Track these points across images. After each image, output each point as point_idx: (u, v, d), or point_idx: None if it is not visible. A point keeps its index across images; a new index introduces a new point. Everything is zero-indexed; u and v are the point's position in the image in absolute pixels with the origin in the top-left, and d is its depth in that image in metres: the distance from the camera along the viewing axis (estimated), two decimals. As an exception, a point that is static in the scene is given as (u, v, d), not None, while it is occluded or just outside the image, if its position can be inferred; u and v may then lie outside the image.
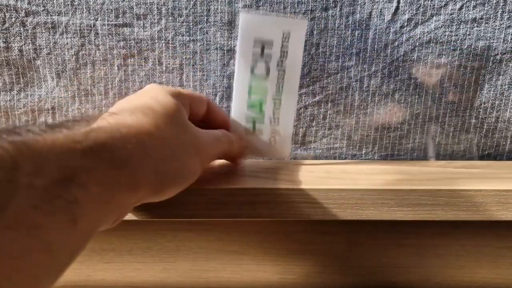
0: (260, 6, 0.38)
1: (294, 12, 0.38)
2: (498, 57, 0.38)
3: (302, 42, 0.35)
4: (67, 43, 0.39)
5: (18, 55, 0.39)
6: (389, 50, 0.38)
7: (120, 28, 0.38)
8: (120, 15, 0.38)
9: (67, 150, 0.21)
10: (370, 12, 0.38)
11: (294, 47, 0.35)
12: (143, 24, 0.38)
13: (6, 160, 0.19)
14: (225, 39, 0.38)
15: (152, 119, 0.28)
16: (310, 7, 0.38)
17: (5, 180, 0.18)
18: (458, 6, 0.37)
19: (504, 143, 0.41)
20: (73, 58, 0.39)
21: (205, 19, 0.38)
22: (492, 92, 0.39)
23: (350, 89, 0.39)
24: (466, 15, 0.37)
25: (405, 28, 0.38)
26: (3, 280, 0.18)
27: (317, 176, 0.37)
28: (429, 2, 0.37)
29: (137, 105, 0.29)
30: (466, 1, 0.37)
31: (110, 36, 0.38)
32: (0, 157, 0.19)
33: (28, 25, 0.38)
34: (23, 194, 0.19)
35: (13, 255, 0.18)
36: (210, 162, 0.32)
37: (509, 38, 0.38)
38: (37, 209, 0.19)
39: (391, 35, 0.38)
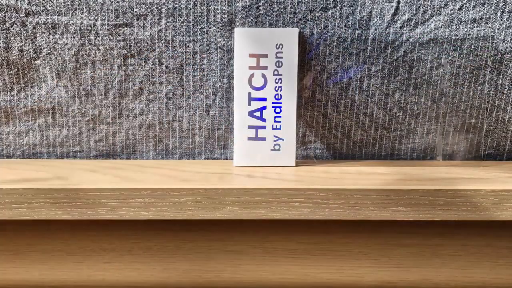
0: (260, 6, 0.38)
1: (294, 13, 0.38)
2: (498, 57, 0.38)
3: (296, 50, 0.37)
4: (67, 43, 0.39)
5: (18, 55, 0.39)
6: (389, 50, 0.38)
7: (120, 28, 0.38)
8: (120, 15, 0.38)
9: None
10: (370, 12, 0.38)
11: (288, 56, 0.37)
12: (143, 24, 0.38)
13: None
14: (225, 39, 0.38)
15: None
16: (310, 7, 0.38)
17: None
18: (458, 6, 0.37)
19: (504, 143, 0.41)
20: (73, 58, 0.39)
21: (205, 19, 0.38)
22: (492, 92, 0.39)
23: (350, 89, 0.39)
24: (466, 15, 0.37)
25: (405, 28, 0.38)
26: None
27: (317, 176, 0.37)
28: (429, 2, 0.37)
29: None
30: (466, 1, 0.37)
31: (110, 36, 0.38)
32: None
33: (28, 25, 0.38)
34: None
35: None
36: None
37: (509, 38, 0.38)
38: None
39: (391, 35, 0.38)
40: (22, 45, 0.39)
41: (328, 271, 0.44)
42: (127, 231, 0.43)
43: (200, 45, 0.39)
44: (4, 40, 0.38)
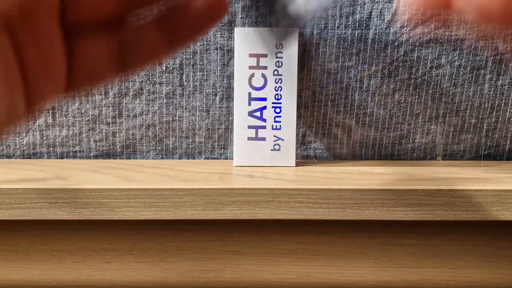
0: (260, 6, 0.37)
1: (294, 12, 0.38)
2: (498, 57, 0.38)
3: (296, 50, 0.37)
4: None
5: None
6: (389, 50, 0.38)
7: (120, 28, 0.38)
8: (120, 15, 0.38)
9: None
10: (370, 12, 0.38)
11: (288, 56, 0.37)
12: (143, 24, 0.38)
13: None
14: (225, 39, 0.38)
15: None
16: (310, 7, 0.38)
17: None
18: (458, 6, 0.37)
19: (504, 143, 0.41)
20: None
21: (205, 19, 0.38)
22: (492, 92, 0.39)
23: (350, 89, 0.39)
24: (466, 15, 0.37)
25: (405, 28, 0.38)
26: None
27: (317, 176, 0.37)
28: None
29: None
30: (466, 1, 0.37)
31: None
32: None
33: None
34: None
35: None
36: None
37: (509, 38, 0.38)
38: None
39: (391, 35, 0.38)
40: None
41: (328, 271, 0.44)
42: (127, 231, 0.43)
43: (200, 45, 0.39)
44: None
